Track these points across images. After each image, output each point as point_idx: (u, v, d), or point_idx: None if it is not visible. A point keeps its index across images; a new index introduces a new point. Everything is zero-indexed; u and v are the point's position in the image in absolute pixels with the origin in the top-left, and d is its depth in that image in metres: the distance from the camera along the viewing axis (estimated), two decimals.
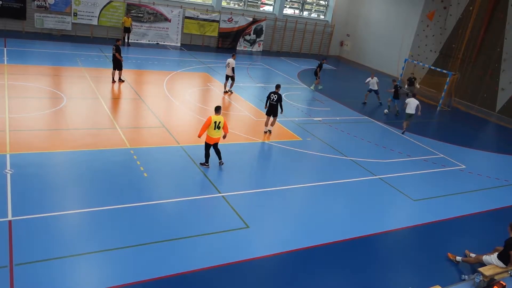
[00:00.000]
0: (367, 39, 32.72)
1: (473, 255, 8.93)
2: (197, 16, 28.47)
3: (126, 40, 25.74)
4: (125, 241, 7.83)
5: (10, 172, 9.50)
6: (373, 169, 12.96)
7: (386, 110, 20.02)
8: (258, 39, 31.41)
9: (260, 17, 30.86)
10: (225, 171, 11.38)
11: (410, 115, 16.91)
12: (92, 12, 25.35)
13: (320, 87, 22.40)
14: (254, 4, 31.98)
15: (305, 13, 34.22)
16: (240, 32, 30.38)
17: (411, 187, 12.15)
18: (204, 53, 27.15)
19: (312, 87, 22.33)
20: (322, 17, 34.93)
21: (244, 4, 31.31)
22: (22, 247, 7.24)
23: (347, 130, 16.42)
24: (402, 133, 17.08)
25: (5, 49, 19.79)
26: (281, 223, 9.40)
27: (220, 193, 10.12)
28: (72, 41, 23.93)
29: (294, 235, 8.96)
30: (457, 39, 24.90)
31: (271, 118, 14.53)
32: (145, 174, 10.41)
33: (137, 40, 26.94)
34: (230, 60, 18.48)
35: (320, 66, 22.08)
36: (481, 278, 8.02)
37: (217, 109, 11.06)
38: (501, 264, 8.35)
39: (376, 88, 20.54)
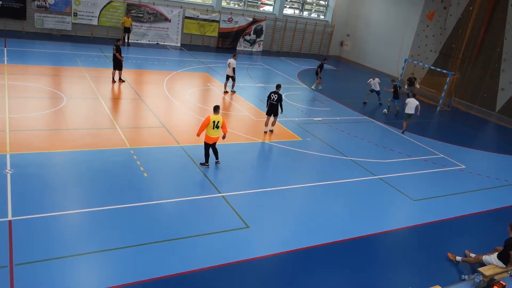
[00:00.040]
0: (367, 39, 32.73)
1: (473, 255, 8.93)
2: (197, 16, 28.48)
3: (126, 40, 25.74)
4: (125, 241, 7.83)
5: (10, 172, 9.50)
6: (373, 169, 12.96)
7: (385, 110, 20.04)
8: (258, 39, 31.41)
9: (260, 17, 30.87)
10: (225, 171, 11.38)
11: (410, 115, 16.93)
12: (92, 12, 25.35)
13: (320, 87, 22.40)
14: (254, 4, 31.98)
15: (305, 13, 34.22)
16: (240, 32, 30.38)
17: (411, 187, 12.15)
18: (204, 53, 27.16)
19: (313, 87, 22.36)
20: (322, 17, 34.94)
21: (244, 4, 31.31)
22: (22, 247, 7.24)
23: (347, 130, 16.42)
24: (402, 132, 17.10)
25: (5, 49, 19.80)
26: (281, 223, 9.40)
27: (220, 193, 10.12)
28: (72, 41, 23.93)
29: (294, 235, 8.96)
30: (457, 39, 24.90)
31: (271, 118, 14.54)
32: (145, 174, 10.41)
33: (137, 40, 26.95)
34: (231, 60, 18.49)
35: (321, 66, 22.10)
36: (481, 278, 8.02)
37: (216, 109, 11.06)
38: (501, 264, 8.35)
39: (378, 88, 20.61)
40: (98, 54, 22.03)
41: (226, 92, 18.90)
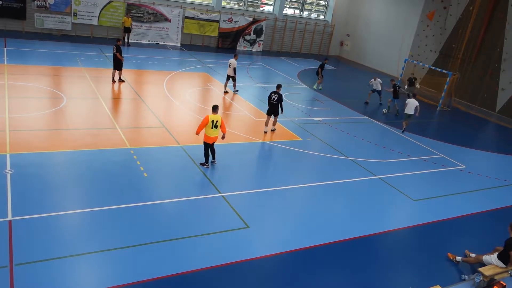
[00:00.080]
0: (367, 39, 32.72)
1: (473, 255, 8.93)
2: (197, 16, 28.48)
3: (126, 40, 25.74)
4: (125, 241, 7.83)
5: (10, 172, 9.50)
6: (373, 169, 12.96)
7: (384, 110, 20.06)
8: (258, 39, 31.41)
9: (260, 17, 30.86)
10: (225, 171, 11.38)
11: (409, 115, 16.98)
12: (92, 12, 25.35)
13: (320, 87, 22.41)
14: (254, 4, 31.97)
15: (305, 13, 34.22)
16: (240, 32, 30.38)
17: (411, 187, 12.15)
18: (204, 53, 27.15)
19: (315, 87, 22.39)
20: (322, 17, 34.93)
21: (244, 4, 31.31)
22: (22, 247, 7.24)
23: (347, 130, 16.42)
24: (402, 132, 17.13)
25: (5, 49, 19.80)
26: (281, 223, 9.40)
27: (220, 193, 10.12)
28: (72, 41, 23.92)
29: (294, 235, 8.96)
30: (457, 39, 24.90)
31: (272, 118, 14.56)
32: (145, 174, 10.41)
33: (137, 40, 26.94)
34: (232, 61, 18.52)
35: (322, 66, 22.13)
36: (481, 278, 8.02)
37: (214, 108, 11.07)
38: (501, 264, 8.35)
39: (379, 88, 20.64)
40: (98, 54, 22.03)
41: (226, 92, 18.90)
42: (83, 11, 25.07)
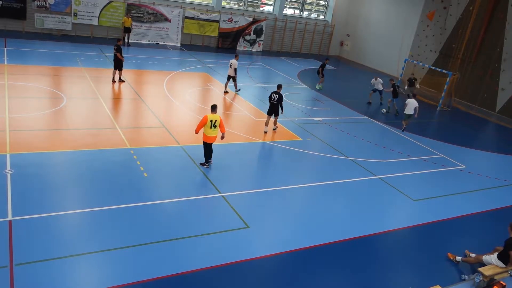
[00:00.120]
0: (367, 39, 32.72)
1: (473, 255, 8.94)
2: (197, 16, 28.47)
3: (126, 40, 25.73)
4: (125, 241, 7.83)
5: (10, 172, 9.50)
6: (373, 169, 12.96)
7: (383, 110, 20.08)
8: (258, 39, 31.40)
9: (260, 17, 30.86)
10: (225, 171, 11.38)
11: (409, 115, 17.04)
12: (92, 12, 25.35)
13: (320, 87, 22.42)
14: (254, 4, 31.97)
15: (305, 13, 34.22)
16: (240, 32, 30.38)
17: (411, 187, 12.15)
18: (204, 53, 27.15)
19: (317, 86, 22.40)
20: (322, 17, 34.93)
21: (244, 4, 31.31)
22: (22, 247, 7.24)
23: (347, 130, 16.42)
24: (402, 131, 17.17)
25: (5, 49, 19.80)
26: (281, 223, 9.40)
27: (220, 193, 10.12)
28: (72, 41, 23.92)
29: (294, 235, 8.96)
30: (457, 39, 24.90)
31: (272, 118, 14.58)
32: (145, 174, 10.41)
33: (137, 40, 26.94)
34: (233, 61, 18.54)
35: (323, 66, 22.15)
36: (481, 278, 8.02)
37: (213, 108, 11.08)
38: (501, 264, 8.35)
39: (381, 88, 20.65)
40: (98, 54, 22.03)
41: (226, 92, 18.91)
42: (83, 11, 25.07)
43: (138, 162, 10.96)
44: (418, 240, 9.70)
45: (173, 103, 16.51)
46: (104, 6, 25.52)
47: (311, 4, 34.31)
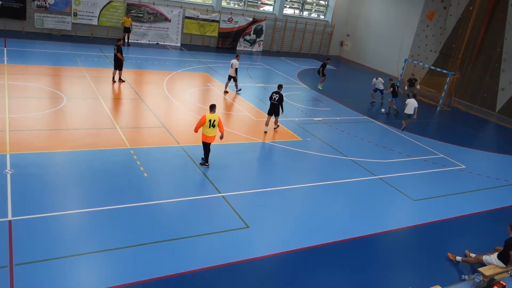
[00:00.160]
0: (367, 39, 32.72)
1: (473, 255, 8.94)
2: (197, 16, 28.47)
3: (126, 40, 25.72)
4: (125, 241, 7.83)
5: (10, 172, 9.50)
6: (373, 169, 12.96)
7: (383, 110, 20.08)
8: (258, 39, 31.40)
9: (260, 17, 30.86)
10: (225, 171, 11.38)
11: (409, 115, 17.07)
12: (92, 12, 25.35)
13: (320, 87, 22.43)
14: (254, 4, 31.97)
15: (305, 13, 34.21)
16: (240, 32, 30.38)
17: (411, 187, 12.15)
18: (204, 53, 27.15)
19: (319, 87, 22.40)
20: (322, 17, 34.93)
21: (244, 4, 31.31)
22: (22, 247, 7.24)
23: (347, 130, 16.42)
24: (402, 129, 17.19)
25: (5, 49, 19.80)
26: (281, 223, 9.40)
27: (220, 193, 10.12)
28: (72, 41, 23.92)
29: (294, 235, 8.96)
30: (457, 39, 24.90)
31: (272, 118, 14.59)
32: (145, 174, 10.41)
33: (137, 40, 26.94)
34: (234, 61, 18.56)
35: (324, 65, 22.16)
36: (481, 278, 8.02)
37: (212, 108, 11.08)
38: (501, 264, 8.35)
39: (382, 87, 20.65)
40: (98, 54, 22.03)
41: (226, 92, 18.91)
42: (83, 11, 25.07)
43: (138, 162, 10.96)
44: (418, 240, 9.70)
45: (173, 103, 16.51)
46: (104, 6, 25.52)
47: (311, 4, 34.31)
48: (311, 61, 31.13)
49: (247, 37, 30.88)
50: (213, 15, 28.97)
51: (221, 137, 11.46)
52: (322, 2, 34.50)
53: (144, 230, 8.25)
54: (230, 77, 18.75)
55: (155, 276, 7.09)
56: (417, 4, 28.11)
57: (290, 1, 33.23)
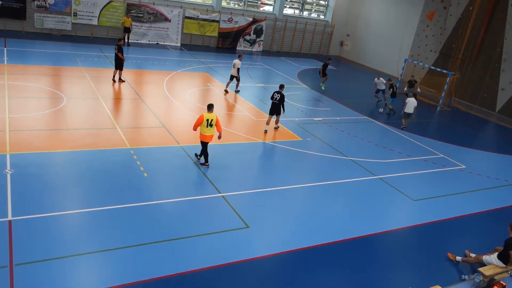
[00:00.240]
0: (367, 39, 32.72)
1: (473, 255, 8.94)
2: (197, 16, 28.47)
3: (126, 40, 25.71)
4: (125, 241, 7.83)
5: (10, 172, 9.50)
6: (373, 169, 12.96)
7: (381, 110, 20.07)
8: (258, 39, 31.40)
9: (260, 17, 30.86)
10: (225, 171, 11.38)
11: (409, 114, 17.10)
12: (92, 12, 25.35)
13: (322, 87, 22.44)
14: (254, 4, 31.97)
15: (305, 13, 34.21)
16: (240, 32, 30.37)
17: (411, 187, 12.15)
18: (204, 53, 27.15)
19: (323, 87, 22.40)
20: (322, 17, 34.93)
21: (244, 4, 31.31)
22: (22, 247, 7.24)
23: (347, 130, 16.42)
24: (402, 128, 17.21)
25: (5, 49, 19.80)
26: (281, 223, 9.40)
27: (220, 193, 10.12)
28: (72, 41, 23.92)
29: (294, 235, 8.96)
30: (457, 39, 24.90)
31: (273, 118, 14.61)
32: (145, 174, 10.41)
33: (137, 40, 26.94)
34: (236, 61, 18.59)
35: (325, 65, 22.15)
36: (481, 278, 8.02)
37: (210, 107, 11.09)
38: (501, 264, 8.36)
39: (383, 88, 20.61)
40: (98, 54, 22.03)
41: (226, 92, 18.92)
42: (83, 11, 25.07)
43: (138, 162, 10.96)
44: (418, 240, 9.70)
45: (173, 103, 16.51)
46: (104, 6, 25.52)
47: (311, 4, 34.31)
48: (311, 61, 31.13)
49: (247, 37, 30.87)
50: (213, 15, 28.97)
51: (219, 137, 11.44)
52: (322, 2, 34.50)
53: (144, 230, 8.25)
54: (232, 77, 18.76)
55: (155, 276, 7.09)
56: (417, 4, 28.12)
57: (290, 1, 33.23)
